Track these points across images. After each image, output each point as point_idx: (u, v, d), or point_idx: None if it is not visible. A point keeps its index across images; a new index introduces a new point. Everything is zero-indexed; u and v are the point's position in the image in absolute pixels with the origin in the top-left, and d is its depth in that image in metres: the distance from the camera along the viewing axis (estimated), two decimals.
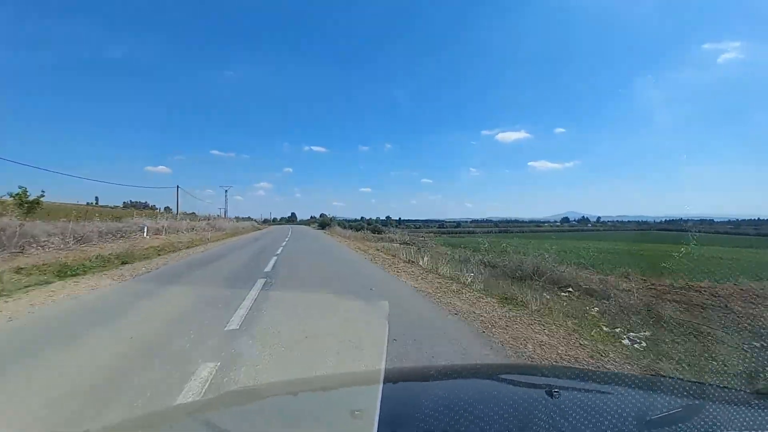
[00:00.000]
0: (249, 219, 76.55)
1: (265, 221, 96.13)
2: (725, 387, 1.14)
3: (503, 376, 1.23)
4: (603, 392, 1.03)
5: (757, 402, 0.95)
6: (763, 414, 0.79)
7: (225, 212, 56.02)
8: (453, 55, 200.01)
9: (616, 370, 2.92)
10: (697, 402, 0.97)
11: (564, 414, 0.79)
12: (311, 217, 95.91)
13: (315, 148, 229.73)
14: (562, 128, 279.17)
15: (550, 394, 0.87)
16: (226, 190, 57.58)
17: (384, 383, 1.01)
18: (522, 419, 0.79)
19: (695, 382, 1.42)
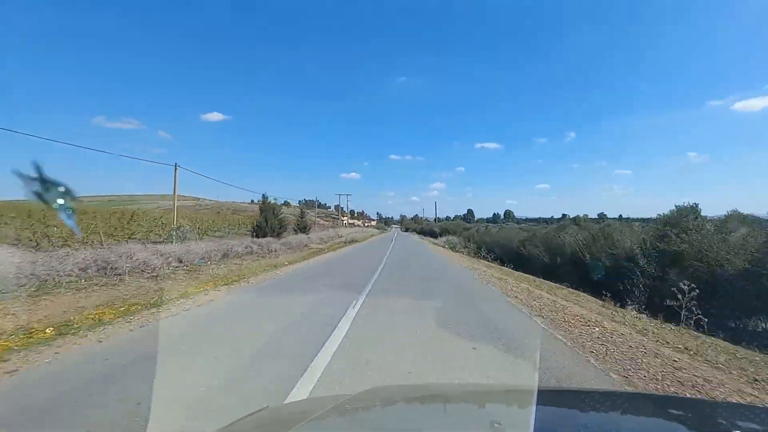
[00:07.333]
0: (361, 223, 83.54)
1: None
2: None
3: (672, 410, 1.09)
4: None
5: None
6: None
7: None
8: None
9: None
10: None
11: None
12: (494, 215, 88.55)
13: (487, 145, 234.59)
14: None
15: None
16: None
17: (537, 404, 0.88)
18: None
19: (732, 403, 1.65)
